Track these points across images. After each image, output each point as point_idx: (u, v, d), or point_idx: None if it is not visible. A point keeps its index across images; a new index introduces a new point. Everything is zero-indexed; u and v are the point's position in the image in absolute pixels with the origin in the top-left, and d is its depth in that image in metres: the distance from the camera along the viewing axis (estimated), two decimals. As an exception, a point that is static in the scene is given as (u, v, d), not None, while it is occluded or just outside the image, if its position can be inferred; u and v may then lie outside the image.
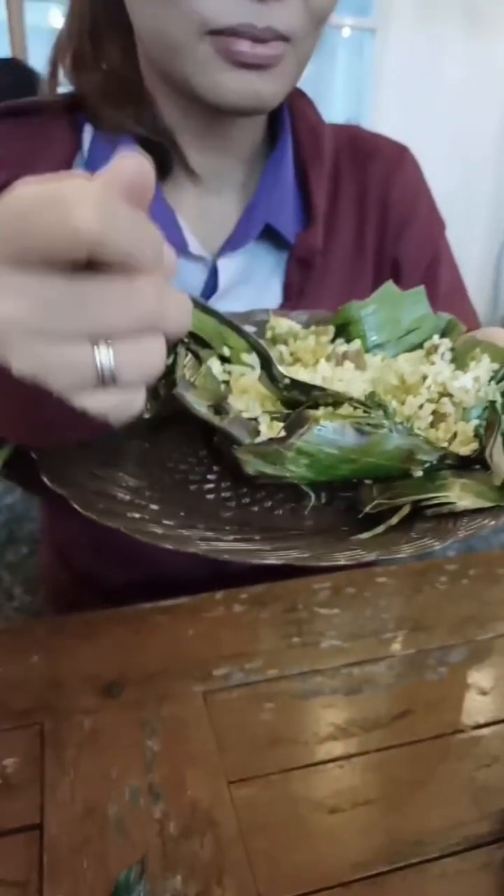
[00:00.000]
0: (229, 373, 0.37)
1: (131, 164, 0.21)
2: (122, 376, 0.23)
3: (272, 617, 0.49)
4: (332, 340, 0.40)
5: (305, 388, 0.32)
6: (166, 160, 0.48)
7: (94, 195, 0.20)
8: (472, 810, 0.35)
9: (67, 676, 0.43)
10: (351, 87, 2.77)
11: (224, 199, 0.51)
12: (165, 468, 0.33)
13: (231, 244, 0.49)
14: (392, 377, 0.35)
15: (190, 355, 0.34)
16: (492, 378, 0.34)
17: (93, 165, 0.48)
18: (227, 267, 0.50)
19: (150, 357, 0.24)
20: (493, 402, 0.30)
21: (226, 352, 0.37)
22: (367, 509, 0.28)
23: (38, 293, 0.21)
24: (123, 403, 0.24)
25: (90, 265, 0.21)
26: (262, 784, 0.36)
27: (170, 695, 0.42)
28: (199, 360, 0.35)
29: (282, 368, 0.34)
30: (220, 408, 0.32)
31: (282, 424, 0.31)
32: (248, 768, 0.37)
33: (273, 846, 0.33)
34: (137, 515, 0.29)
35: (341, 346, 0.38)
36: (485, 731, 0.40)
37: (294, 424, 0.29)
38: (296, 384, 0.32)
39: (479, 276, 2.73)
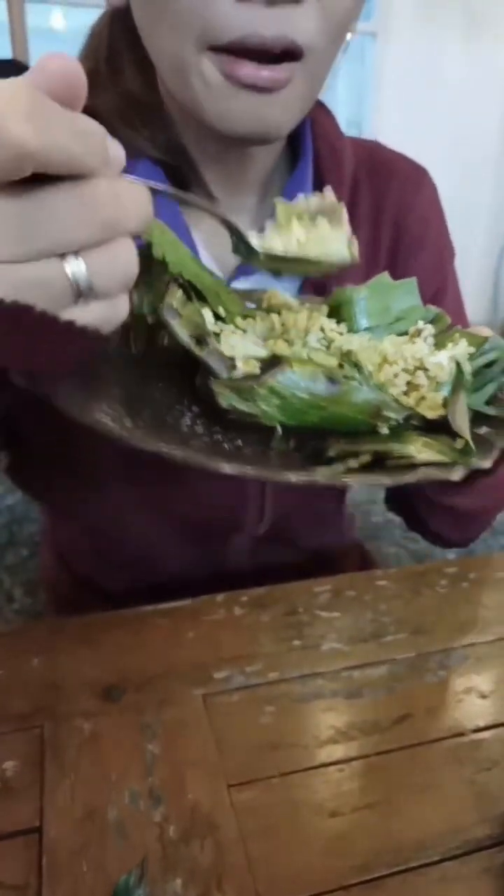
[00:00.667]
0: (220, 330, 0.36)
1: (56, 63, 0.20)
2: (99, 285, 0.22)
3: (272, 620, 0.49)
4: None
5: (281, 260, 0.33)
6: (183, 181, 0.47)
7: (23, 105, 0.19)
8: (473, 814, 0.35)
9: (67, 679, 0.43)
10: (353, 91, 2.78)
11: (240, 220, 0.50)
12: (146, 403, 0.33)
13: (246, 269, 0.48)
14: (375, 355, 0.36)
15: (181, 291, 0.34)
16: (470, 358, 0.35)
17: None
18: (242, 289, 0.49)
19: (122, 260, 0.23)
20: (458, 365, 0.31)
21: (221, 311, 0.37)
22: (330, 453, 0.29)
23: None
24: (108, 312, 0.24)
25: (35, 178, 0.20)
26: (263, 787, 0.36)
27: (170, 698, 0.42)
28: (188, 297, 0.35)
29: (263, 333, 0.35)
30: (201, 339, 0.33)
31: (258, 363, 0.32)
32: (249, 772, 0.37)
33: (273, 850, 0.33)
34: (110, 423, 0.29)
35: (313, 200, 0.37)
36: (485, 734, 0.40)
37: (269, 365, 0.30)
38: (271, 258, 0.33)
39: (478, 279, 2.74)
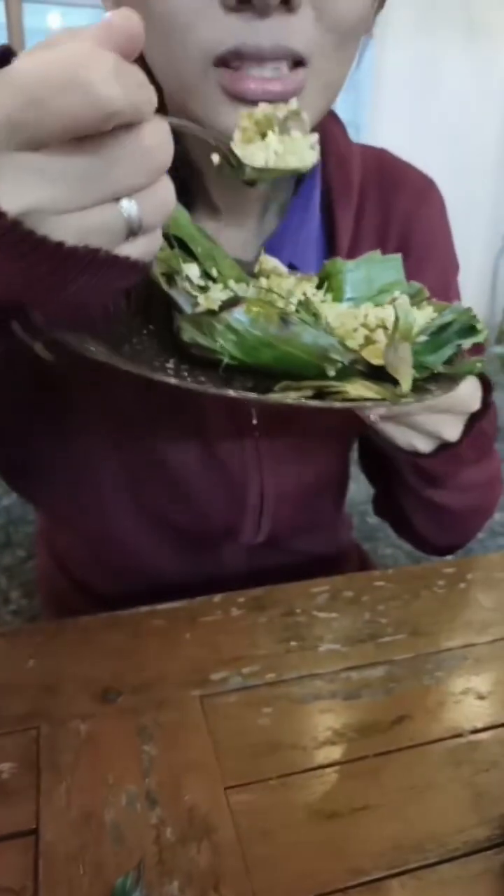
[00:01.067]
0: (207, 286, 0.37)
1: (121, 19, 0.22)
2: (147, 223, 0.25)
3: (270, 621, 0.48)
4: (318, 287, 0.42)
5: (263, 171, 0.34)
6: (188, 192, 0.47)
7: (109, 66, 0.21)
8: (471, 816, 0.35)
9: (64, 681, 0.42)
10: (350, 93, 2.78)
11: (245, 230, 0.50)
12: (126, 344, 0.35)
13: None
14: (352, 320, 0.37)
15: (163, 241, 0.36)
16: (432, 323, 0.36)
17: None
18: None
19: (164, 197, 0.25)
20: (395, 309, 0.33)
21: (214, 273, 0.38)
22: (276, 388, 0.31)
23: (63, 172, 0.22)
24: (151, 245, 0.26)
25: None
26: (260, 789, 0.36)
27: (167, 700, 0.41)
28: (171, 246, 0.37)
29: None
30: (171, 278, 0.35)
31: (219, 300, 0.34)
32: (246, 773, 0.37)
33: (271, 852, 0.33)
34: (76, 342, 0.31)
35: (280, 107, 0.37)
36: (483, 735, 0.40)
37: (228, 303, 0.32)
38: (255, 170, 0.34)
39: (476, 282, 2.74)
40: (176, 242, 0.37)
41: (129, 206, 0.24)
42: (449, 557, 0.61)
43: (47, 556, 0.68)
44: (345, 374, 0.33)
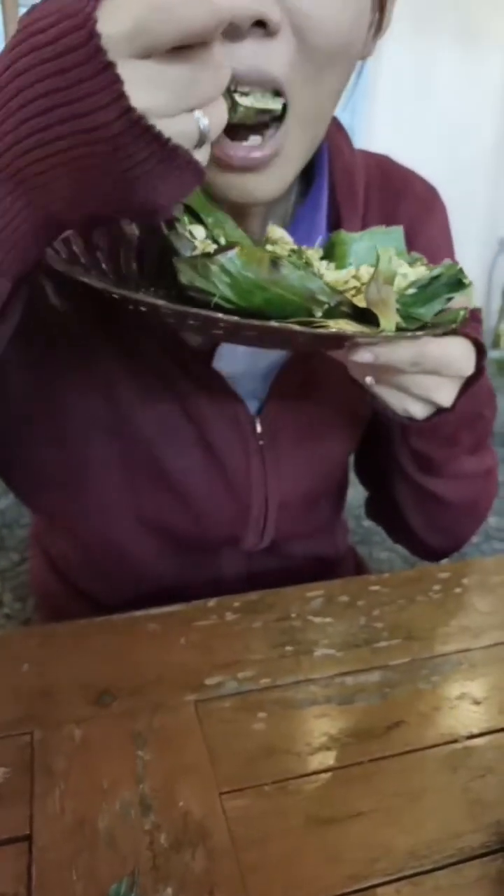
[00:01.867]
0: (210, 248, 0.39)
1: None
2: (210, 134, 0.28)
3: (265, 625, 0.48)
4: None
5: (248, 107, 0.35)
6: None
7: None
8: (467, 822, 0.35)
9: (58, 685, 0.42)
10: (346, 97, 2.79)
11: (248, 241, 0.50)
12: (129, 287, 0.38)
13: None
14: (345, 275, 0.40)
15: None
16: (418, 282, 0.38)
17: None
18: None
19: (223, 114, 0.29)
20: (377, 253, 0.34)
21: (222, 240, 0.40)
22: (262, 321, 0.32)
23: (165, 79, 0.25)
24: (207, 156, 0.29)
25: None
26: (255, 795, 0.36)
27: (161, 704, 0.41)
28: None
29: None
30: (171, 223, 0.38)
31: (214, 245, 0.35)
32: (241, 779, 0.37)
33: (266, 858, 0.33)
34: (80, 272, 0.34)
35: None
36: (478, 741, 0.40)
37: (223, 247, 0.33)
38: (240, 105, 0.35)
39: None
40: (185, 209, 0.39)
41: (200, 117, 0.27)
42: (444, 561, 0.61)
43: (41, 560, 0.68)
44: (331, 315, 0.34)
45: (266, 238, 0.43)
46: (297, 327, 0.31)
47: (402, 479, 0.53)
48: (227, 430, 0.50)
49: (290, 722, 0.41)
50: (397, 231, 0.44)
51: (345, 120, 0.53)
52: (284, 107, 0.37)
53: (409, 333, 0.34)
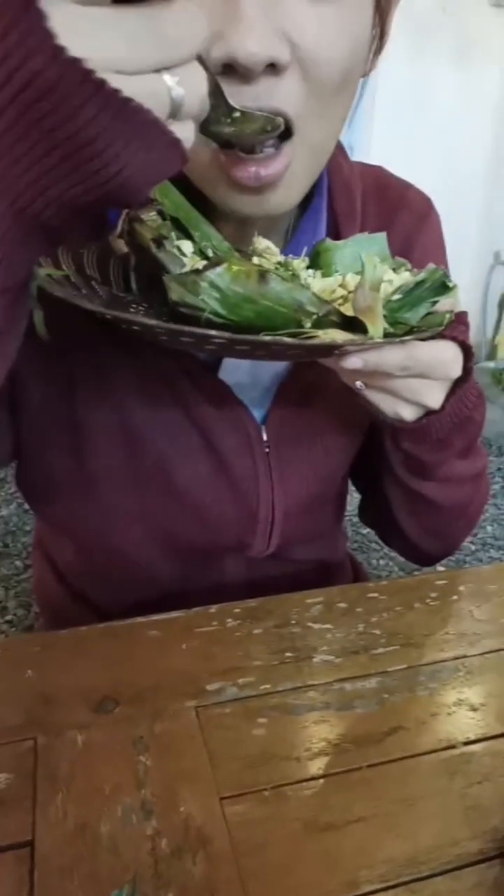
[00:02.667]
0: (199, 264, 0.39)
1: None
2: (186, 104, 0.25)
3: (265, 632, 0.49)
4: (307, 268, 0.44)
5: (255, 117, 0.35)
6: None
7: None
8: (464, 828, 0.35)
9: (60, 692, 0.42)
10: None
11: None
12: (121, 305, 0.38)
13: None
14: (331, 284, 0.40)
15: (156, 213, 0.39)
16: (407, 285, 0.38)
17: None
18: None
19: (200, 82, 0.26)
20: (363, 260, 0.34)
21: (209, 252, 0.40)
22: (254, 336, 0.32)
23: (120, 29, 0.23)
24: (187, 133, 0.27)
25: None
26: (255, 800, 0.36)
27: (162, 710, 0.42)
28: (163, 218, 0.39)
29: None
30: (160, 241, 0.37)
31: (203, 261, 0.35)
32: (241, 784, 0.37)
33: (265, 864, 0.33)
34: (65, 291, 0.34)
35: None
36: (476, 747, 0.40)
37: (212, 263, 0.33)
38: (246, 115, 0.35)
39: (467, 298, 2.76)
40: (172, 223, 0.39)
41: (171, 82, 0.25)
42: (441, 568, 0.62)
43: (44, 566, 0.68)
44: (320, 325, 0.34)
45: (252, 249, 0.43)
46: (287, 340, 0.32)
47: (394, 482, 0.54)
48: (234, 438, 0.50)
49: (289, 728, 0.41)
50: (380, 237, 0.45)
51: (344, 137, 0.54)
52: (289, 133, 0.37)
53: (397, 339, 0.35)
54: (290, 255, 0.45)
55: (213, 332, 0.31)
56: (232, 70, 0.33)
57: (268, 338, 0.32)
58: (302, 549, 0.60)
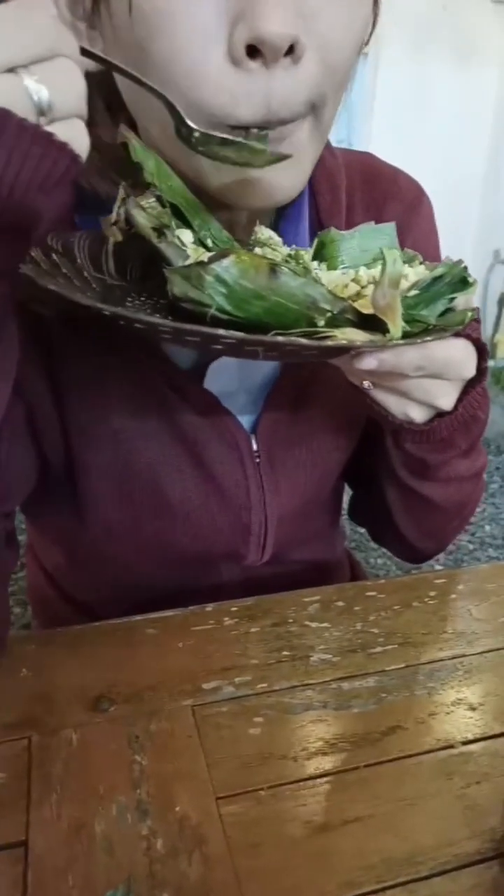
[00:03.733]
0: (199, 254, 0.37)
1: None
2: (56, 102, 0.25)
3: (262, 630, 0.48)
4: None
5: (216, 140, 0.34)
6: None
7: None
8: (462, 829, 0.35)
9: (56, 690, 0.42)
10: (343, 110, 2.80)
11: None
12: (123, 305, 0.35)
13: None
14: (343, 278, 0.38)
15: (155, 199, 0.36)
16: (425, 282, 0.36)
17: None
18: None
19: (70, 79, 0.26)
20: (383, 254, 0.32)
21: (209, 243, 0.38)
22: (264, 337, 0.31)
23: None
24: (71, 133, 0.26)
25: None
26: (251, 800, 0.36)
27: (159, 709, 0.41)
28: (162, 205, 0.37)
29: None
30: (161, 231, 0.35)
31: (207, 253, 0.33)
32: (237, 784, 0.37)
33: (262, 864, 0.33)
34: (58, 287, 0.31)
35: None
36: (474, 746, 0.40)
37: (218, 255, 0.31)
38: (207, 137, 0.34)
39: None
40: (171, 210, 0.37)
41: (29, 80, 0.25)
42: (438, 567, 0.61)
43: (36, 568, 0.68)
44: (334, 323, 0.32)
45: (254, 239, 0.42)
46: (304, 341, 0.30)
47: (392, 482, 0.53)
48: (224, 450, 0.49)
49: (286, 727, 0.41)
50: (389, 227, 0.43)
51: (343, 135, 0.53)
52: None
53: (419, 340, 0.33)
54: (294, 246, 0.43)
55: (221, 332, 0.29)
56: (254, 53, 0.33)
57: (281, 338, 0.30)
58: (298, 552, 0.60)
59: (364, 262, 0.41)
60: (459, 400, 0.42)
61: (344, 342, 0.31)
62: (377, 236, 0.43)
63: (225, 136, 0.34)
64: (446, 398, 0.41)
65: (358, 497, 0.64)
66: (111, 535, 0.52)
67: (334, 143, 0.53)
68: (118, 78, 0.38)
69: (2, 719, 0.40)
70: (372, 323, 0.33)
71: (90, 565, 0.57)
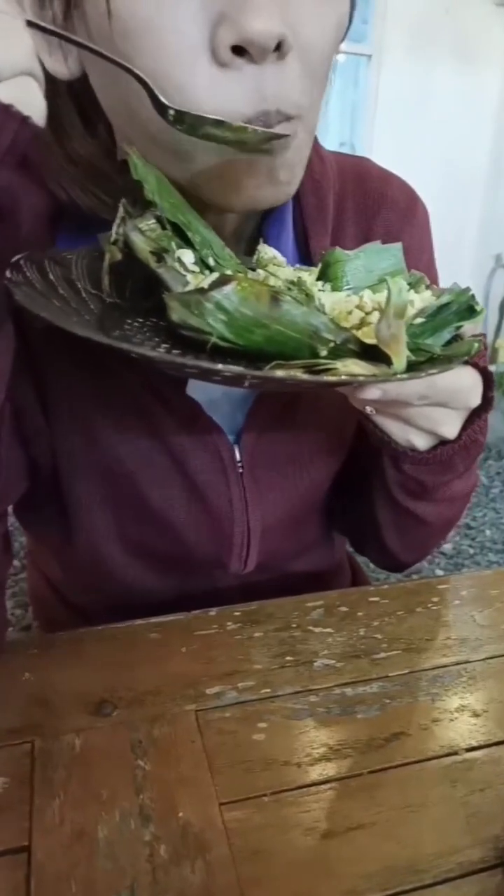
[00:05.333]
0: (203, 274, 0.37)
1: None
2: None
3: (265, 635, 0.48)
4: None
5: (193, 119, 0.33)
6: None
7: None
8: (466, 836, 0.35)
9: (58, 694, 0.42)
10: (345, 112, 2.82)
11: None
12: (121, 328, 0.34)
13: None
14: (347, 304, 0.37)
15: (155, 220, 0.36)
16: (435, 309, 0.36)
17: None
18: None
19: (9, 35, 0.26)
20: (388, 284, 0.31)
21: (211, 262, 0.38)
22: (267, 368, 0.30)
23: None
24: (13, 92, 0.26)
25: None
26: (255, 806, 0.36)
27: (161, 714, 0.41)
28: (163, 227, 0.36)
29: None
30: (160, 256, 0.34)
31: (209, 279, 0.32)
32: (241, 790, 0.37)
33: (265, 871, 0.33)
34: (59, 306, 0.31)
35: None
36: (478, 754, 0.40)
37: (218, 281, 0.30)
38: (182, 115, 0.33)
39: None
40: (172, 228, 0.36)
41: None
42: (439, 572, 0.61)
43: (36, 574, 0.68)
44: (337, 353, 0.32)
45: (258, 259, 0.41)
46: (304, 376, 0.29)
47: (386, 500, 0.51)
48: (206, 459, 0.49)
49: (289, 732, 0.41)
50: (395, 248, 0.42)
51: (345, 137, 0.53)
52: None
53: (422, 374, 0.32)
54: (298, 265, 0.41)
55: (220, 367, 0.29)
56: (240, 52, 0.32)
57: (281, 373, 0.29)
58: (294, 563, 0.59)
59: (369, 284, 0.40)
60: (463, 428, 0.41)
61: (345, 377, 0.30)
62: (383, 257, 0.42)
63: (218, 118, 0.33)
64: (450, 426, 0.40)
65: (340, 507, 0.62)
66: (97, 538, 0.51)
67: (336, 146, 0.53)
68: (94, 82, 0.38)
69: (4, 723, 0.40)
70: (376, 352, 0.32)
71: (82, 570, 0.56)
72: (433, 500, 0.49)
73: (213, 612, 0.50)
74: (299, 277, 0.39)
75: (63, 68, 0.37)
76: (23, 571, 1.30)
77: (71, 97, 0.40)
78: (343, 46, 0.40)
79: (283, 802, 0.36)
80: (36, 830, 0.34)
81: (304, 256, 0.49)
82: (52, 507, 0.51)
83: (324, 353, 0.31)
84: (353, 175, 0.52)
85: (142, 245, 0.34)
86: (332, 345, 0.31)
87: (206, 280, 0.32)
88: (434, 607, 0.52)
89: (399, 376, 0.31)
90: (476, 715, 0.43)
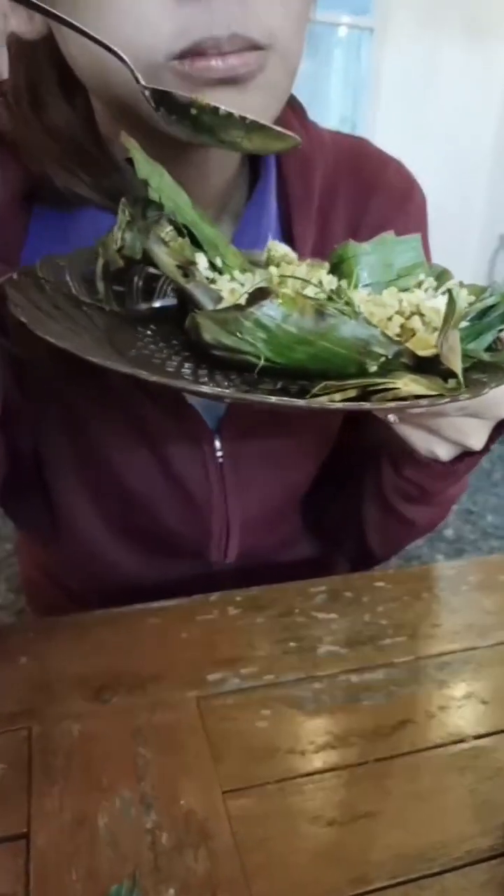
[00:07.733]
0: (214, 279, 0.35)
1: None
2: None
3: (268, 621, 0.47)
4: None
5: (184, 99, 0.31)
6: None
7: None
8: (474, 824, 0.34)
9: (57, 680, 0.41)
10: (348, 87, 2.76)
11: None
12: (135, 345, 0.32)
13: None
14: (383, 308, 0.34)
15: (172, 227, 0.33)
16: (470, 305, 0.33)
17: (41, 247, 0.42)
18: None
19: None
20: (451, 296, 0.29)
21: (218, 262, 0.36)
22: (315, 390, 0.28)
23: None
24: None
25: None
26: (258, 795, 0.35)
27: (162, 700, 0.40)
28: (180, 234, 0.34)
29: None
30: (188, 270, 0.32)
31: (244, 294, 0.30)
32: (244, 778, 0.36)
33: (269, 860, 0.32)
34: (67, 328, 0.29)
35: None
36: (486, 741, 0.39)
37: (256, 296, 0.28)
38: (164, 97, 0.30)
39: (472, 282, 2.74)
40: (180, 225, 0.34)
41: None
42: (440, 557, 0.60)
43: (27, 557, 0.67)
44: (386, 368, 0.29)
45: (268, 257, 0.39)
46: (371, 406, 0.26)
47: (376, 502, 0.50)
48: (187, 449, 0.48)
49: (293, 720, 0.40)
50: (414, 240, 0.39)
51: (347, 114, 0.51)
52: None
53: (486, 389, 0.29)
54: (309, 260, 0.39)
55: (274, 400, 0.26)
56: None
57: (343, 405, 0.26)
58: (285, 553, 0.58)
59: (389, 279, 0.38)
60: (492, 439, 0.39)
61: (404, 404, 0.27)
62: (402, 249, 0.39)
63: (193, 97, 0.30)
64: (477, 437, 0.38)
65: (321, 503, 0.59)
66: (78, 523, 0.51)
67: (336, 121, 0.51)
68: (65, 50, 0.35)
69: (2, 709, 0.39)
70: (425, 365, 0.29)
71: (72, 553, 0.56)
72: (429, 504, 0.48)
73: (213, 597, 0.49)
74: (339, 284, 0.36)
75: (27, 27, 0.35)
76: (15, 555, 1.30)
77: (52, 63, 0.38)
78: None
79: (288, 791, 0.36)
80: (35, 817, 0.33)
81: (287, 241, 0.46)
82: (38, 497, 0.50)
83: (373, 368, 0.29)
84: (348, 156, 0.49)
85: (166, 259, 0.32)
86: (382, 359, 0.29)
87: (242, 295, 0.30)
88: (440, 593, 0.52)
89: (464, 395, 0.28)
90: (484, 702, 0.42)
